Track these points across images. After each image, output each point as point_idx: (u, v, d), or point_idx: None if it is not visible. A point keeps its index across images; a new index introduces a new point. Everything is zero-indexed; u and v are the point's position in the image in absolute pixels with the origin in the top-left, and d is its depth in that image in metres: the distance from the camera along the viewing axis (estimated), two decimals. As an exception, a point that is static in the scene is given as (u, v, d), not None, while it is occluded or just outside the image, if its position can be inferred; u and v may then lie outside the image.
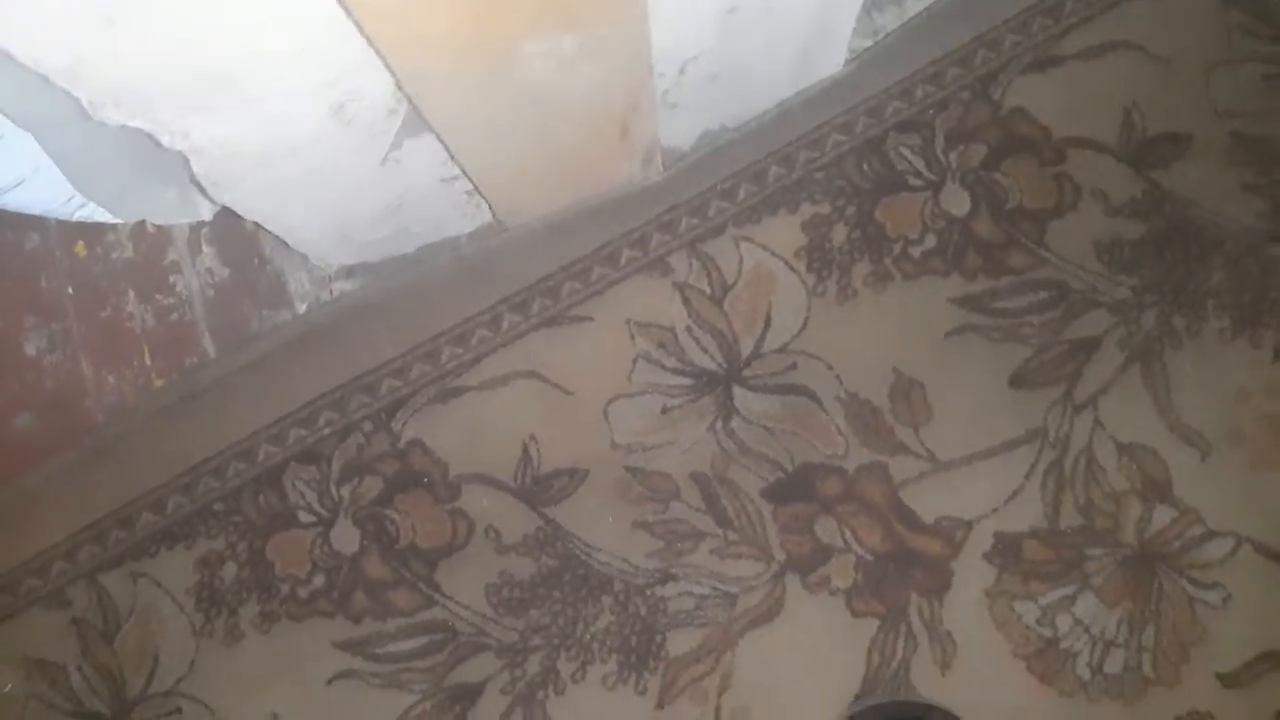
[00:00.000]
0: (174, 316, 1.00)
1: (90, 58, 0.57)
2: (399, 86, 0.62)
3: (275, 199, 0.81)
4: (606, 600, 0.94)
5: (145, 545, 0.97)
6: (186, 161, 0.72)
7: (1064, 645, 0.90)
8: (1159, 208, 0.97)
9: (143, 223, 1.01)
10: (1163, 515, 0.93)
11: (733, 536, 0.94)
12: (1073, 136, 0.98)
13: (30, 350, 1.01)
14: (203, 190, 0.82)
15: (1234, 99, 0.98)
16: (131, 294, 1.01)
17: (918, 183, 0.98)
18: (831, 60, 0.91)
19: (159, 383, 0.99)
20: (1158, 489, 0.94)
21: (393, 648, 0.94)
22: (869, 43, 1.00)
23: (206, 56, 0.61)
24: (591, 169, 0.84)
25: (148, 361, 0.99)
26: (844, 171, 0.98)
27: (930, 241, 0.97)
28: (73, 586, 0.97)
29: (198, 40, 0.59)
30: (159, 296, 1.00)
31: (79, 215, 0.94)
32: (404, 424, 0.97)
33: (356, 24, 0.57)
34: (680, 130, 0.91)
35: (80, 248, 1.02)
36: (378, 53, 0.57)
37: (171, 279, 1.01)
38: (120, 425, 0.98)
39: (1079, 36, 0.99)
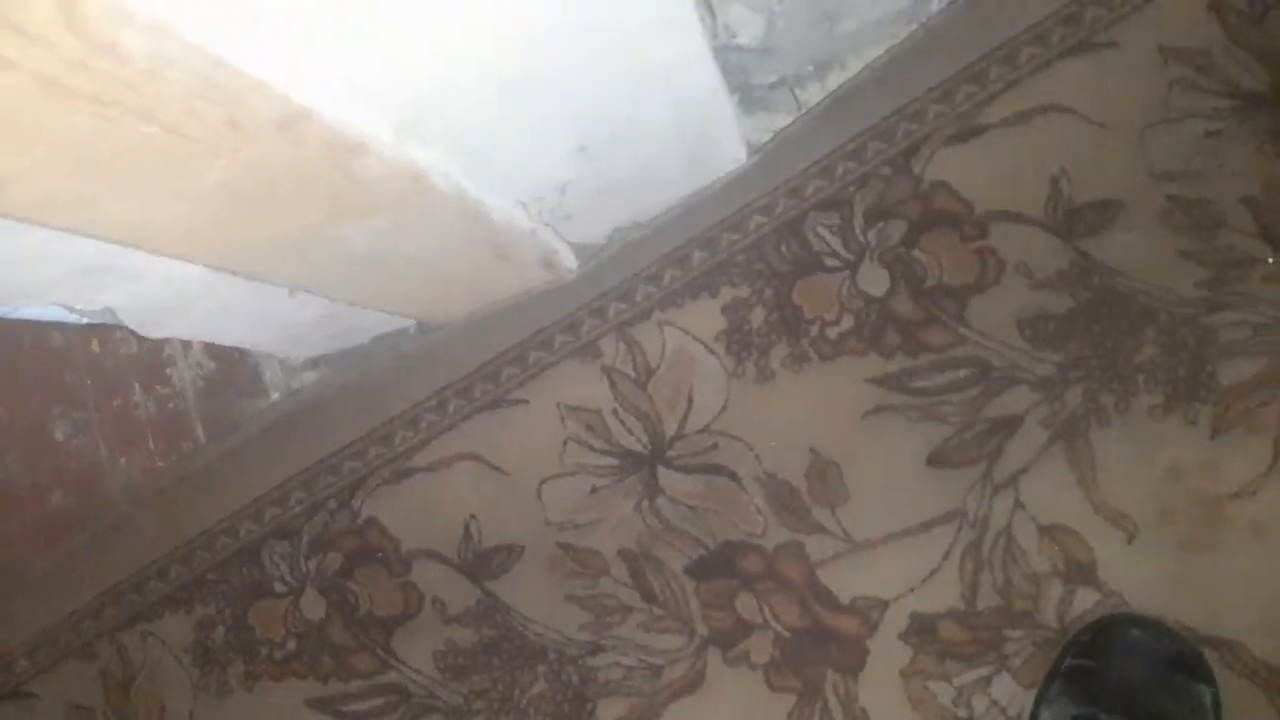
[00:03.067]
0: (171, 406, 1.08)
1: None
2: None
3: (209, 327, 0.87)
4: (541, 669, 0.97)
5: (154, 608, 1.06)
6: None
7: (973, 730, 0.88)
8: (1087, 279, 0.90)
9: (145, 319, 1.10)
10: (1085, 598, 0.88)
11: (658, 611, 0.96)
12: (996, 210, 0.92)
13: (59, 436, 1.11)
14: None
15: (1172, 160, 0.89)
16: (137, 385, 1.10)
17: (834, 263, 0.94)
18: (729, 158, 0.88)
19: (160, 464, 1.08)
20: (1081, 571, 0.89)
21: (356, 706, 1.01)
22: (789, 120, 0.97)
23: (74, 251, 0.67)
24: (487, 285, 0.86)
25: (151, 446, 1.09)
26: (763, 254, 0.96)
27: (847, 322, 0.94)
28: (99, 642, 1.08)
29: (57, 242, 0.64)
30: (159, 387, 1.09)
31: (86, 321, 1.03)
32: (362, 502, 1.02)
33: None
34: (589, 230, 0.91)
35: (95, 344, 1.11)
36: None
37: (168, 371, 1.09)
38: (131, 502, 1.08)
39: (1005, 102, 0.92)
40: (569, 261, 0.89)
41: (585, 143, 0.72)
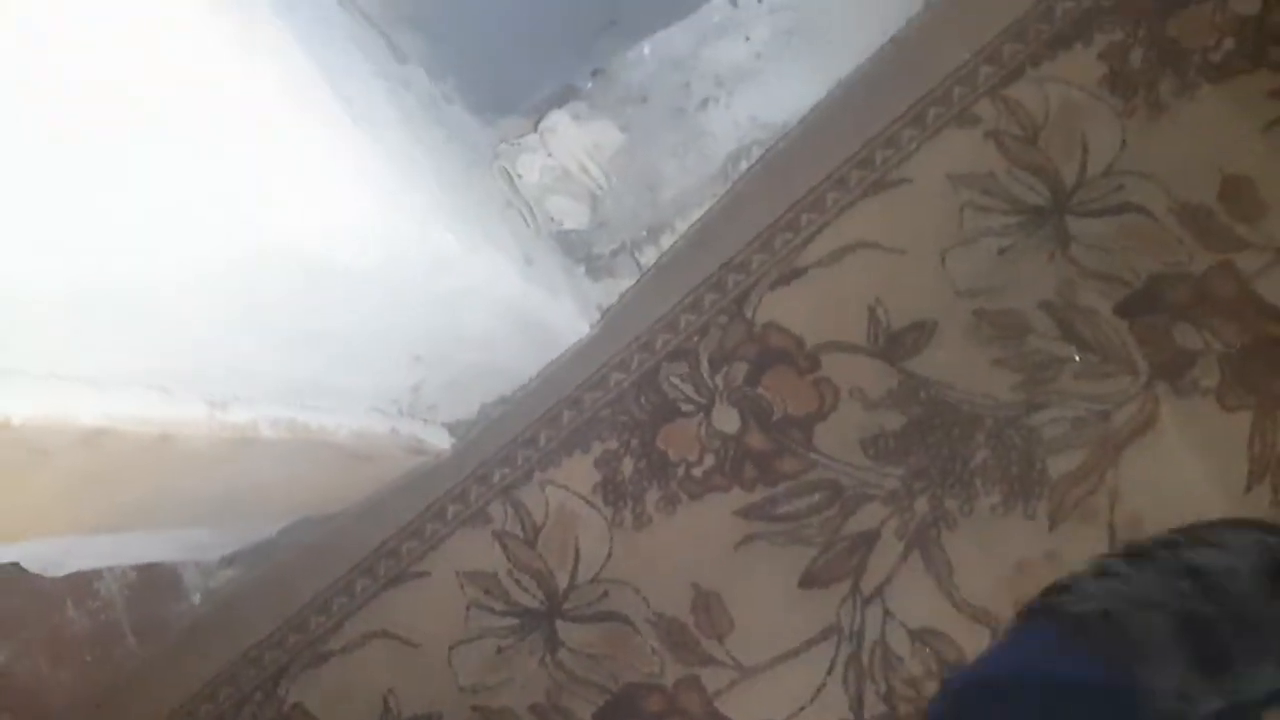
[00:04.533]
0: (102, 617, 1.13)
1: None
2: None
3: (111, 556, 0.92)
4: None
5: (103, 818, 1.10)
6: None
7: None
8: (915, 396, 0.96)
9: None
10: (960, 694, 0.93)
11: (571, 759, 1.00)
12: (824, 341, 0.99)
13: (2, 660, 1.16)
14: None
15: (972, 278, 0.96)
16: (69, 601, 1.14)
17: (689, 408, 1.01)
18: (571, 332, 0.95)
19: (96, 675, 1.12)
20: (953, 670, 0.94)
21: None
22: (634, 280, 1.04)
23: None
24: (357, 483, 0.92)
25: (87, 658, 1.13)
26: (625, 407, 1.02)
27: (709, 461, 1.00)
28: None
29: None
30: (89, 601, 1.14)
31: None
32: (287, 690, 1.06)
33: None
34: (457, 411, 0.97)
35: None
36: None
37: (96, 585, 1.14)
38: (74, 715, 1.12)
39: (818, 245, 0.99)
40: (440, 443, 0.95)
41: (419, 354, 0.79)
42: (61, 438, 0.50)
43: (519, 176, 0.89)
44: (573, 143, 0.91)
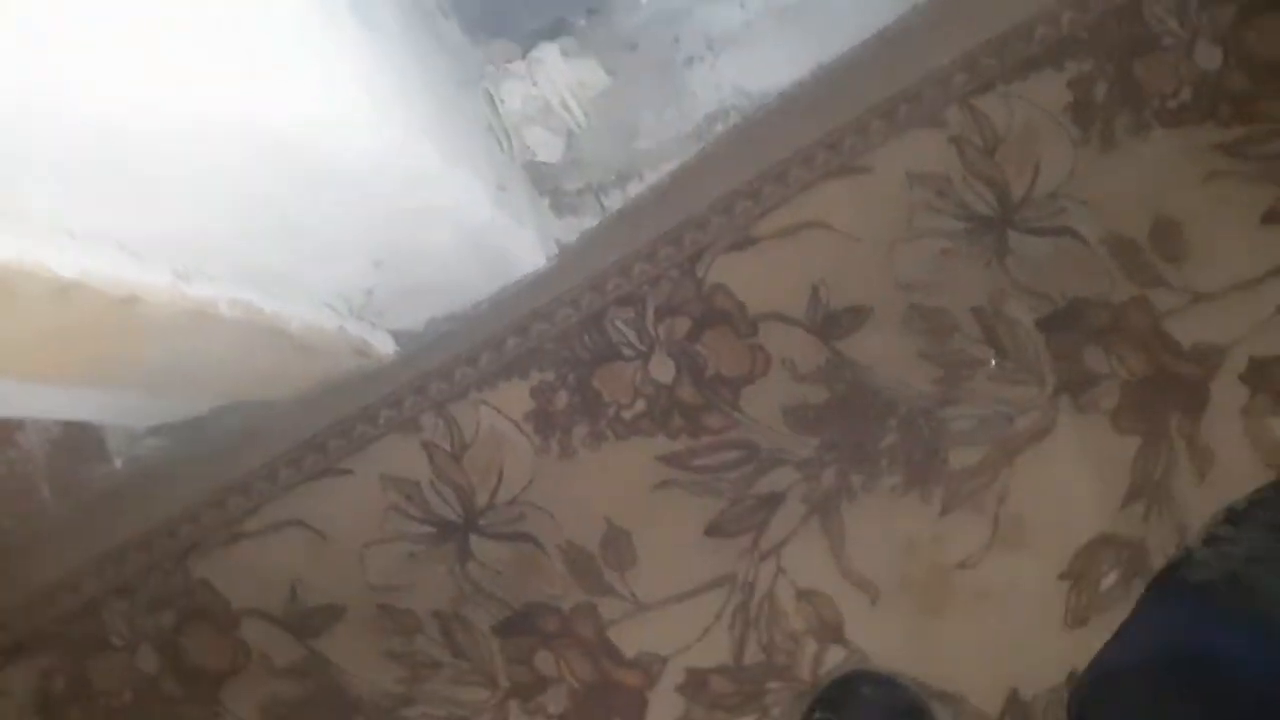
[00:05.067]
0: (19, 468, 1.13)
1: None
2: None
3: (39, 403, 0.93)
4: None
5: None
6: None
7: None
8: (841, 374, 1.02)
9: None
10: (835, 654, 1.00)
11: (464, 665, 1.05)
12: (766, 311, 1.03)
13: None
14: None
15: (915, 272, 1.01)
16: (-15, 448, 1.14)
17: (630, 353, 1.04)
18: (528, 264, 0.98)
19: (6, 524, 1.13)
20: (831, 631, 1.00)
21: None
22: (595, 222, 1.07)
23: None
24: (299, 374, 0.94)
25: (-3, 507, 1.14)
26: (569, 343, 1.05)
27: (640, 406, 1.04)
28: None
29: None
30: (8, 450, 1.14)
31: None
32: (197, 564, 1.09)
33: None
34: (406, 320, 0.99)
35: (-56, 408, 1.16)
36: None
37: (16, 435, 1.14)
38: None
39: (776, 217, 1.03)
40: (385, 348, 0.97)
41: (380, 259, 0.81)
42: (34, 284, 0.51)
43: (501, 102, 0.91)
44: (559, 77, 0.92)
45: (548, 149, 0.96)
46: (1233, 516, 0.81)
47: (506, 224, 0.84)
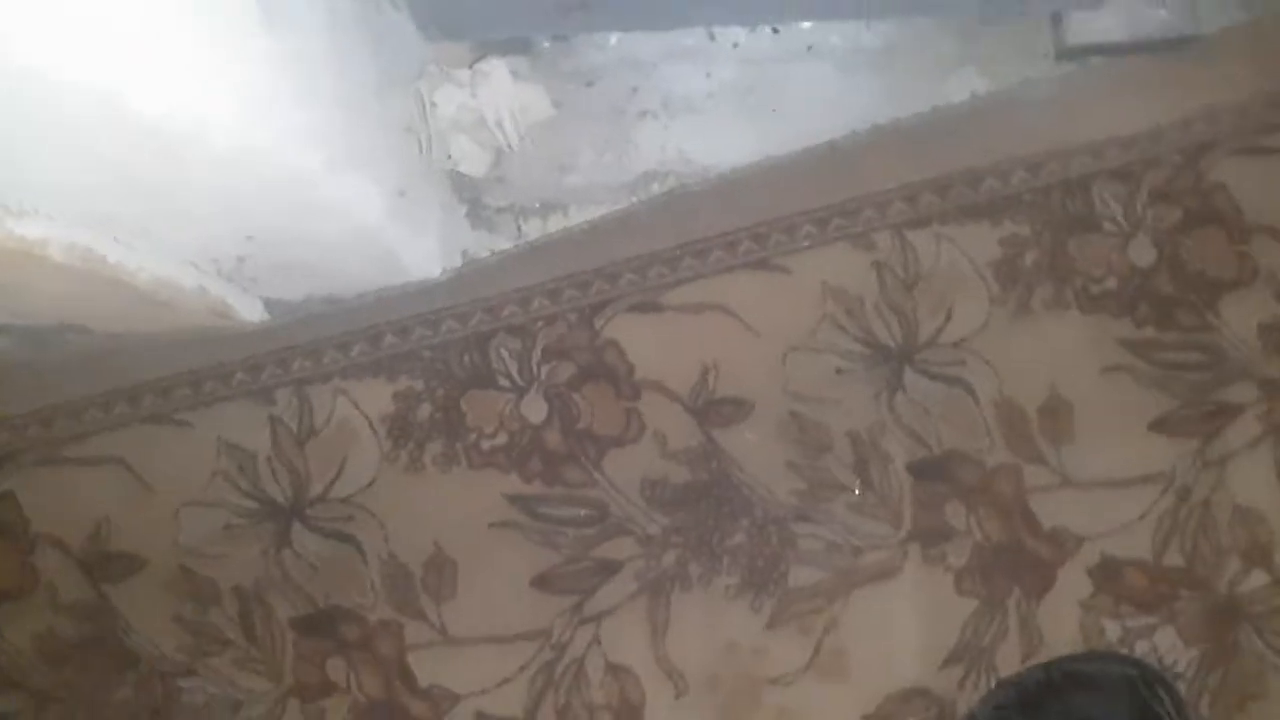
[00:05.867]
0: None
1: None
2: None
3: None
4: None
5: None
6: None
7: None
8: (708, 462, 0.99)
9: None
10: (628, 737, 0.99)
11: (253, 651, 1.00)
12: (651, 379, 1.01)
13: None
14: None
15: (804, 382, 0.99)
16: None
17: (506, 384, 1.01)
18: (421, 269, 0.94)
19: None
20: (630, 712, 0.97)
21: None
22: (510, 245, 1.03)
23: None
24: (146, 321, 0.88)
25: None
26: (447, 356, 1.02)
27: (501, 439, 1.01)
28: None
29: None
30: None
31: None
32: (9, 476, 1.03)
33: None
34: (280, 289, 0.95)
35: None
36: None
37: None
38: None
39: (686, 291, 0.99)
40: (251, 315, 0.92)
41: (251, 235, 0.76)
42: None
43: (433, 105, 0.87)
44: (501, 96, 0.89)
45: (472, 162, 0.92)
46: (1025, 700, 0.86)
47: (399, 232, 0.81)
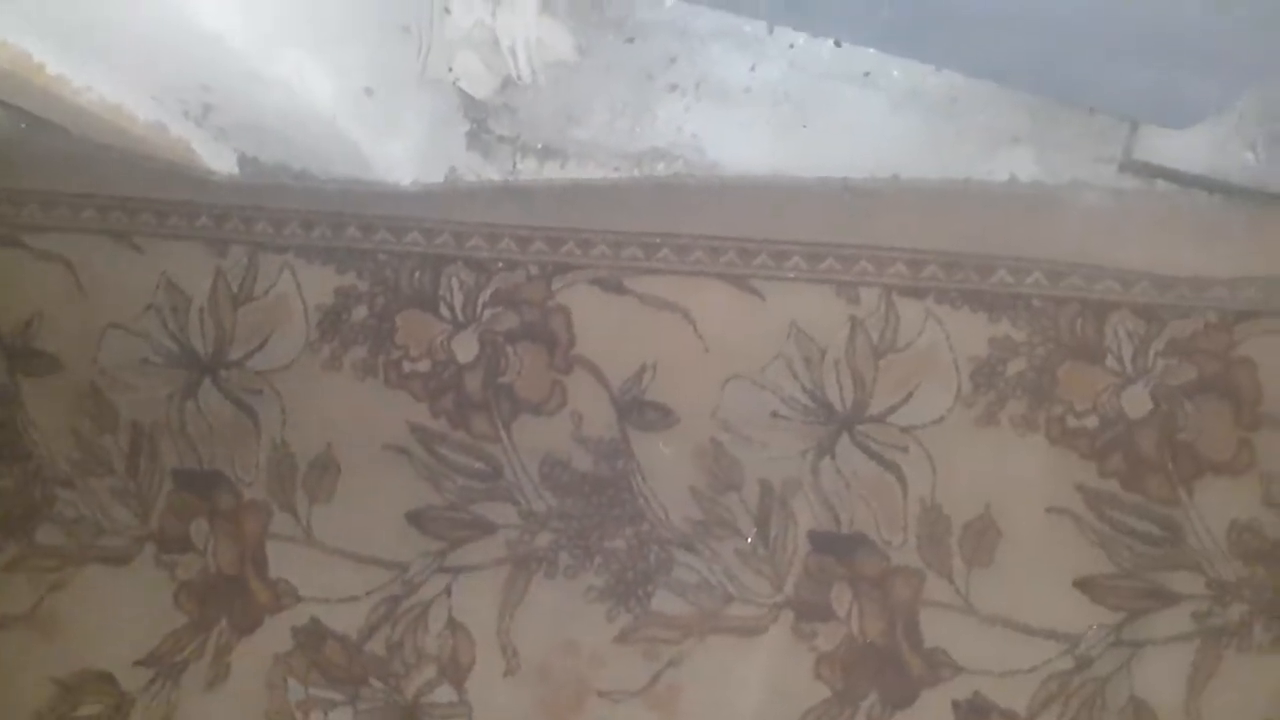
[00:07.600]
0: None
1: None
2: None
3: None
4: None
5: None
6: None
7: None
8: (615, 460, 0.93)
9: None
10: (443, 694, 0.95)
11: (130, 485, 1.01)
12: (587, 358, 0.94)
13: None
14: None
15: (736, 414, 0.91)
16: None
17: (446, 314, 0.96)
18: (390, 174, 0.90)
19: None
20: (456, 671, 0.95)
21: None
22: (499, 179, 0.98)
23: None
24: (104, 133, 0.86)
25: None
26: (399, 267, 0.98)
27: (423, 366, 0.95)
28: None
29: None
30: None
31: None
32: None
33: None
34: (252, 147, 0.92)
35: None
36: None
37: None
38: None
39: (654, 282, 0.91)
40: (217, 164, 0.90)
41: (206, 85, 0.74)
42: None
43: (447, 12, 0.82)
44: (522, 25, 0.84)
45: (474, 82, 0.88)
46: None
47: (357, 129, 0.78)
